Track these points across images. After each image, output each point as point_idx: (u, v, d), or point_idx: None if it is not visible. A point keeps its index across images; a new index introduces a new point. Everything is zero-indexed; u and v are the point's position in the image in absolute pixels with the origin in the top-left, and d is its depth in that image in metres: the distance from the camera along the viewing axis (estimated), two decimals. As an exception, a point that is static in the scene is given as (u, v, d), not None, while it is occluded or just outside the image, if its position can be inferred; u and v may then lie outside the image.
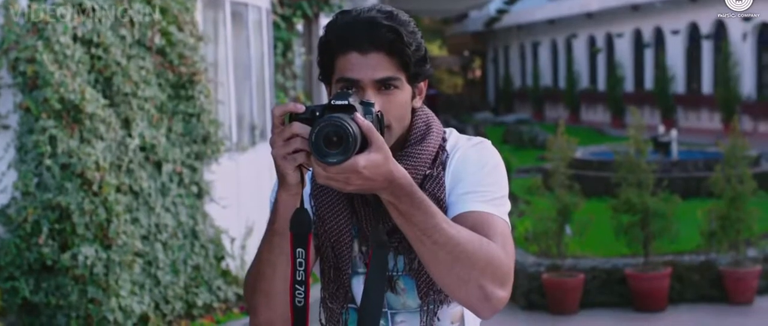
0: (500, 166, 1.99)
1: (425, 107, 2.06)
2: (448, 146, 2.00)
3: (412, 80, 1.94)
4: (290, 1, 10.52)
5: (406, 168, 1.88)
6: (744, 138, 8.92)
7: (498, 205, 1.92)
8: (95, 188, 5.64)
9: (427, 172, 1.95)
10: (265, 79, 9.22)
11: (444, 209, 1.92)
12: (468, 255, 1.77)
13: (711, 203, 8.72)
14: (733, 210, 8.29)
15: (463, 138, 2.03)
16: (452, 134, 2.04)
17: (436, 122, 2.03)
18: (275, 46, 10.08)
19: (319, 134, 1.64)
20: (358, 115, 1.69)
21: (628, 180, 8.35)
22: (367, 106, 1.78)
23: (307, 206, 1.90)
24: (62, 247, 5.66)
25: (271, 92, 9.47)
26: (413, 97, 1.97)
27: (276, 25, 10.13)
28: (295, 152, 1.72)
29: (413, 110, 1.99)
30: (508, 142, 23.19)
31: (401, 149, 1.95)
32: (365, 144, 1.68)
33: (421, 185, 1.93)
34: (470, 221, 1.86)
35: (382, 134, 1.77)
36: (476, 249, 1.78)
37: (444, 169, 1.97)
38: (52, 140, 5.64)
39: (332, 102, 1.73)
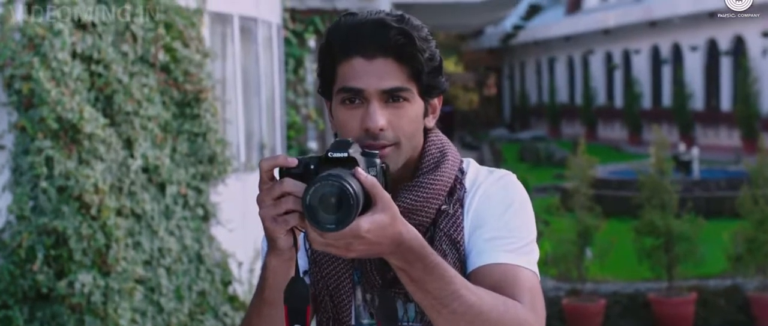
0: (526, 205, 1.73)
1: (439, 131, 1.80)
2: (467, 181, 1.74)
3: (425, 94, 1.69)
4: (302, 16, 10.31)
5: (416, 200, 1.65)
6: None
7: (525, 253, 1.66)
8: (93, 211, 5.39)
9: (443, 207, 1.69)
10: (275, 97, 9.00)
11: (461, 254, 1.67)
12: (492, 324, 1.50)
13: (736, 225, 8.47)
14: (761, 233, 8.03)
15: (484, 171, 1.77)
16: (471, 165, 1.78)
17: (451, 150, 1.78)
18: (286, 63, 9.88)
19: (314, 196, 1.40)
20: (360, 169, 1.44)
21: (652, 201, 8.09)
22: (369, 157, 1.52)
23: (301, 250, 1.67)
24: (58, 274, 5.41)
25: (281, 109, 9.26)
26: (425, 114, 1.72)
27: (287, 41, 9.94)
28: (287, 213, 1.47)
29: (426, 132, 1.74)
30: (524, 159, 22.97)
31: (412, 177, 1.69)
32: (368, 203, 1.42)
33: (434, 223, 1.69)
34: (494, 275, 1.61)
35: (387, 188, 1.52)
36: (501, 316, 1.52)
37: (462, 207, 1.71)
38: (49, 161, 5.39)
39: (329, 154, 1.48)
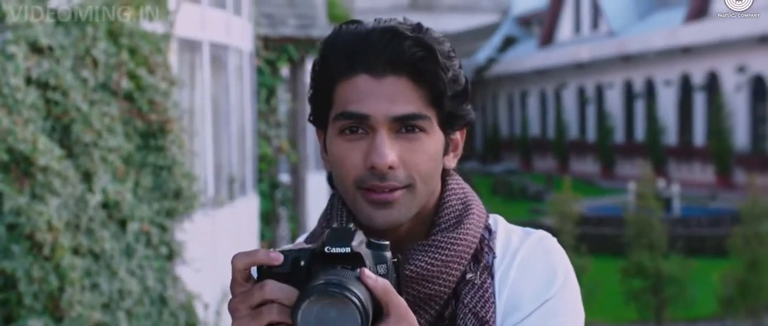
0: (571, 277, 1.36)
1: (459, 176, 1.42)
2: (498, 246, 1.36)
3: (446, 124, 1.33)
4: (275, 44, 9.96)
5: (433, 264, 1.28)
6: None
7: None
8: (46, 251, 4.97)
9: (468, 276, 1.32)
10: (246, 128, 8.64)
11: None
12: None
13: (723, 265, 8.20)
14: (752, 275, 7.71)
15: (517, 232, 1.40)
16: (499, 223, 1.40)
17: (476, 202, 1.40)
18: (258, 93, 9.53)
19: (308, 313, 1.06)
20: (367, 271, 1.09)
21: (640, 241, 7.76)
22: (377, 250, 1.14)
23: None
24: (6, 320, 5.00)
25: (252, 141, 8.90)
26: (445, 151, 1.35)
27: (259, 70, 9.59)
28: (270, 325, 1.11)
29: (444, 177, 1.37)
30: (497, 193, 22.71)
31: (426, 234, 1.33)
32: (378, 312, 1.08)
33: (456, 294, 1.32)
34: None
35: (400, 289, 1.15)
36: None
37: (492, 277, 1.34)
38: (-2, 196, 4.97)
39: (326, 249, 1.11)
